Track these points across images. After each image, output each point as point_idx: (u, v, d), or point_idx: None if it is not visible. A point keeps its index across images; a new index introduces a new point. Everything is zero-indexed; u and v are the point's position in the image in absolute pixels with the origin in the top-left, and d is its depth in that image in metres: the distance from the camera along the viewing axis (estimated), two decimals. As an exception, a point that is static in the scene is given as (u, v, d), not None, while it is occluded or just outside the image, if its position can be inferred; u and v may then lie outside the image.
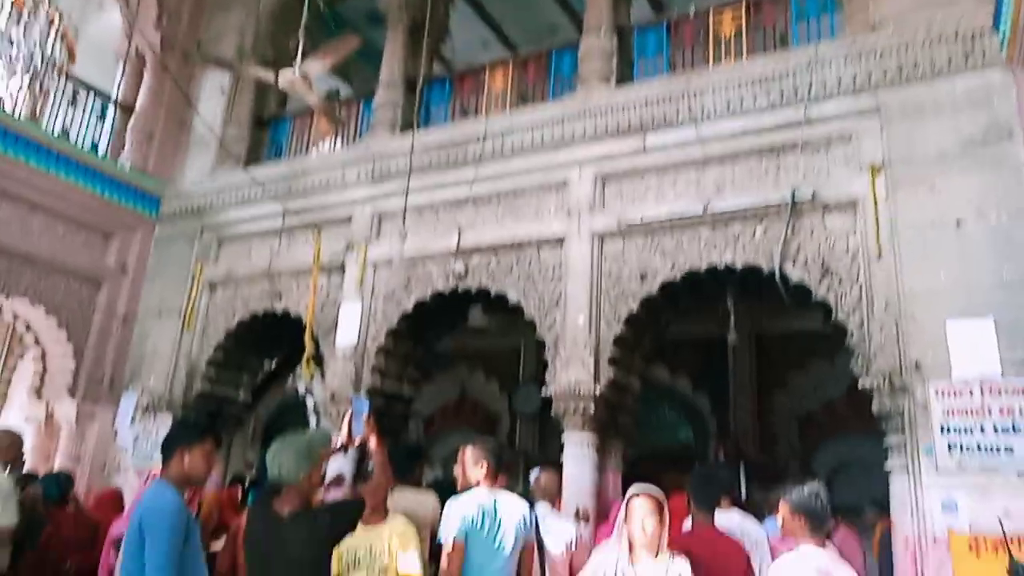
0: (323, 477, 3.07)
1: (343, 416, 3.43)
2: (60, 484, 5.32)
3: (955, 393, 4.04)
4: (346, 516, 2.87)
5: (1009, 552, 2.64)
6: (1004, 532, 2.80)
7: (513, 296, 5.49)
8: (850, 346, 4.40)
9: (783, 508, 3.35)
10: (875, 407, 4.24)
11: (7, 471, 4.66)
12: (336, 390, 5.93)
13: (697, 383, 7.74)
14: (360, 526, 3.02)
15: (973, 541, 3.74)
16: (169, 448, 3.20)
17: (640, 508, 2.97)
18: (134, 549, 3.01)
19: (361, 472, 3.52)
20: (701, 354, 7.19)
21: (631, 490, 3.03)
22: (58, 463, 6.67)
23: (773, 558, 3.98)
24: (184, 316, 6.92)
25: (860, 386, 4.29)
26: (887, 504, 4.27)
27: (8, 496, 4.46)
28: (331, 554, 2.87)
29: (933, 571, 3.91)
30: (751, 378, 7.23)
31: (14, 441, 4.90)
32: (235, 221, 7.13)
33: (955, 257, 4.22)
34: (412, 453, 4.55)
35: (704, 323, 6.98)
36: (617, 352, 5.09)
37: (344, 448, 3.34)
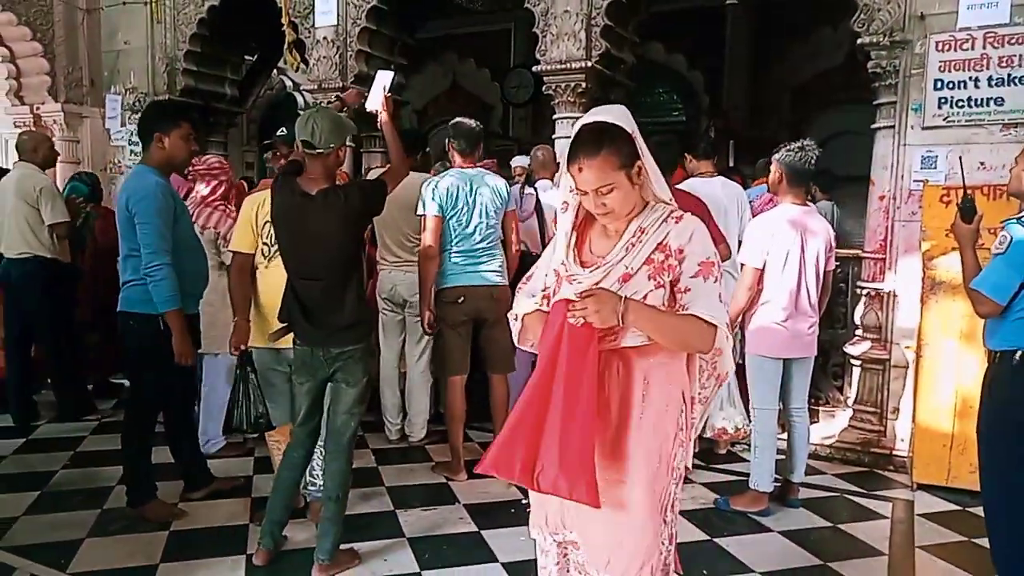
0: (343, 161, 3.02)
1: (370, 86, 3.33)
2: (90, 182, 5.48)
3: (956, 45, 3.95)
4: (373, 195, 2.85)
5: (965, 189, 2.77)
6: (962, 171, 2.90)
7: (499, -38, 5.07)
8: (854, 1, 4.18)
9: (773, 165, 3.50)
10: (871, 66, 4.17)
11: (44, 171, 4.75)
12: (321, 78, 5.78)
13: (693, 59, 7.49)
14: None
15: (945, 192, 3.93)
16: (146, 133, 3.26)
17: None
18: (126, 231, 3.19)
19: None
20: (698, 27, 6.85)
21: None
22: (59, 167, 6.76)
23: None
24: (150, 5, 6.48)
25: (859, 43, 4.17)
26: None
27: (56, 195, 4.61)
28: (357, 231, 2.88)
29: (903, 222, 4.19)
30: (749, 50, 6.99)
31: (43, 140, 4.90)
32: None
33: None
34: (415, 140, 4.60)
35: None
36: (611, 22, 4.85)
37: (351, 107, 3.34)
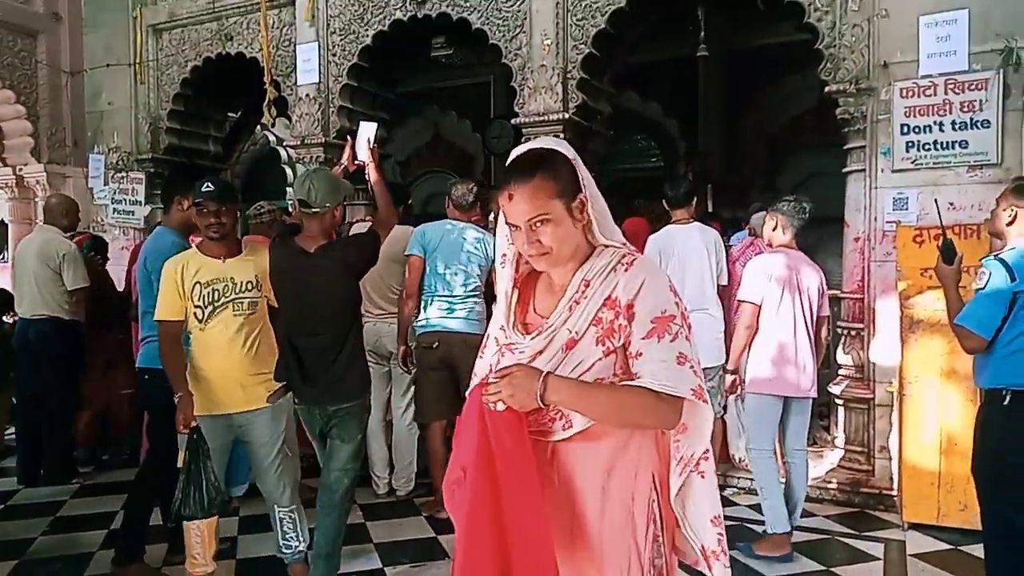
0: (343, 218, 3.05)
1: (349, 138, 3.40)
2: (102, 246, 5.55)
3: (919, 91, 4.09)
4: (369, 247, 2.93)
5: (943, 231, 2.88)
6: (939, 213, 3.02)
7: (475, 20, 5.21)
8: (820, 51, 4.33)
9: (769, 216, 3.68)
10: (839, 112, 4.30)
11: (68, 235, 4.78)
12: (304, 134, 5.86)
13: (668, 107, 7.69)
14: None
15: (918, 233, 4.03)
16: (168, 196, 3.54)
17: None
18: (144, 289, 3.34)
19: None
20: (672, 77, 7.05)
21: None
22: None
23: (730, 262, 4.40)
24: (134, 66, 6.58)
25: (827, 91, 4.31)
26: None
27: (78, 260, 4.64)
28: (355, 284, 2.94)
29: (878, 262, 4.28)
30: (721, 98, 7.19)
31: (72, 206, 4.96)
32: (166, -45, 6.49)
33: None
34: (399, 193, 4.67)
35: (675, 45, 6.77)
36: (586, 75, 4.99)
37: (346, 170, 3.32)
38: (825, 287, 3.70)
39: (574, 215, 1.45)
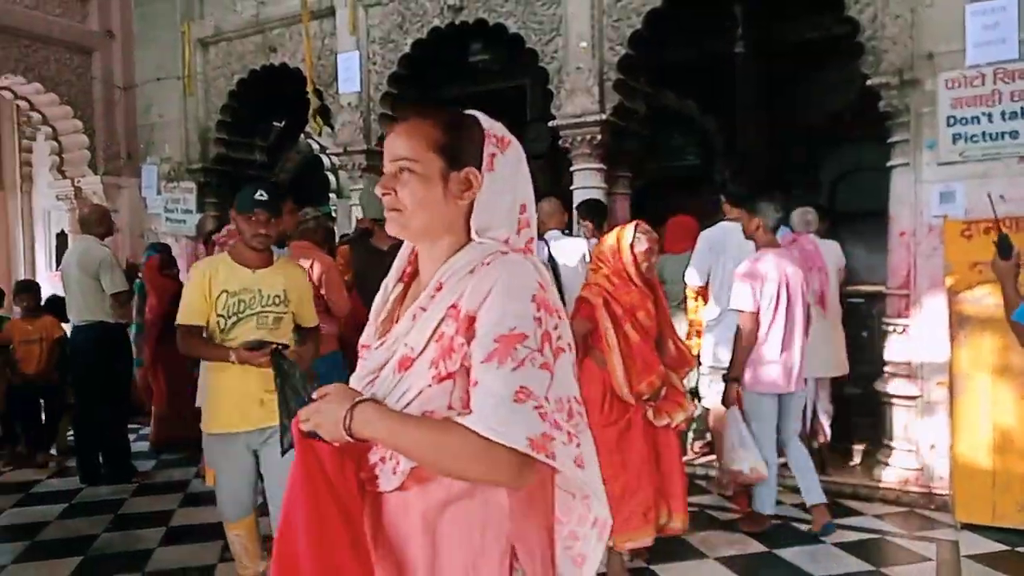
0: None
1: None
2: (169, 258, 5.81)
3: (966, 82, 4.00)
4: None
5: (998, 226, 2.82)
6: (993, 207, 2.96)
7: (512, 25, 5.27)
8: (861, 43, 4.27)
9: (748, 216, 3.79)
10: (882, 105, 4.23)
11: (103, 242, 5.01)
12: (347, 142, 5.99)
13: (704, 104, 7.62)
14: None
15: (966, 226, 3.94)
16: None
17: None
18: None
19: None
20: (708, 75, 6.98)
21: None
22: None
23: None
24: (183, 80, 6.81)
25: (869, 83, 4.24)
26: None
27: (115, 266, 4.86)
28: None
29: (925, 257, 4.20)
30: (759, 94, 7.10)
31: (104, 214, 5.19)
32: (212, -29, 6.70)
33: (981, -68, 3.92)
34: None
35: (711, 41, 6.72)
36: (622, 76, 5.00)
37: None
38: (807, 281, 3.90)
39: (450, 186, 1.17)
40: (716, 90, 7.17)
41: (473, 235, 1.18)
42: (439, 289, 1.16)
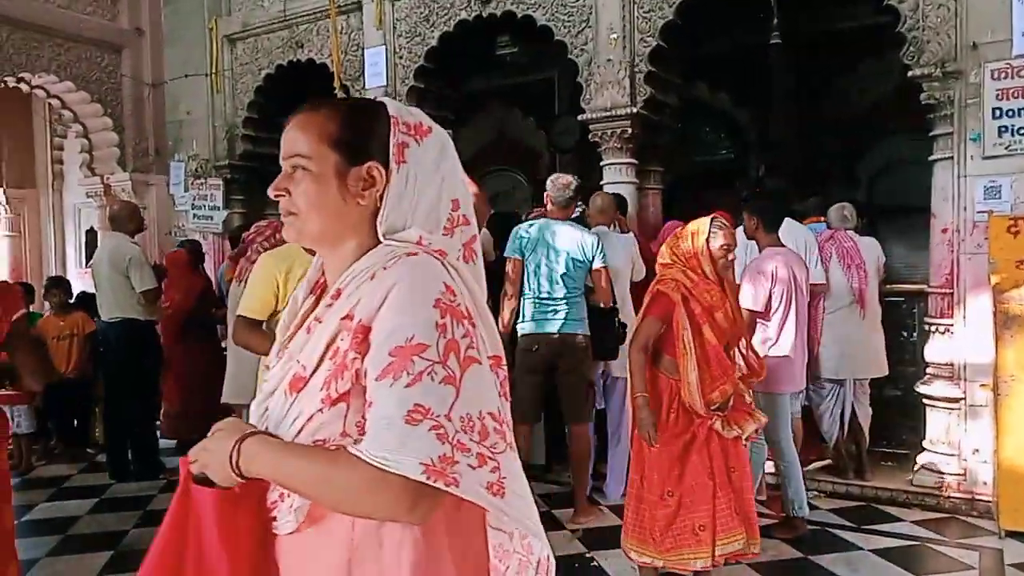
0: None
1: None
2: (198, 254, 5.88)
3: (1013, 72, 3.85)
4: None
5: None
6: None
7: (540, 17, 5.19)
8: (902, 33, 4.13)
9: (747, 215, 3.80)
10: (924, 97, 4.09)
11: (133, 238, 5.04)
12: (373, 136, 5.95)
13: (738, 97, 7.47)
14: None
15: (1013, 222, 3.79)
16: None
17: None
18: None
19: None
20: (742, 66, 6.83)
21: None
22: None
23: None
24: (211, 76, 6.83)
25: (910, 75, 4.10)
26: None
27: (144, 263, 4.90)
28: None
29: (968, 254, 4.05)
30: (794, 86, 6.93)
31: (134, 210, 5.22)
32: (239, -33, 6.71)
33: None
34: None
35: (745, 32, 6.56)
36: (653, 68, 4.90)
37: None
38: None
39: (348, 183, 1.04)
40: (750, 82, 7.02)
41: (381, 236, 1.04)
42: (336, 297, 1.02)
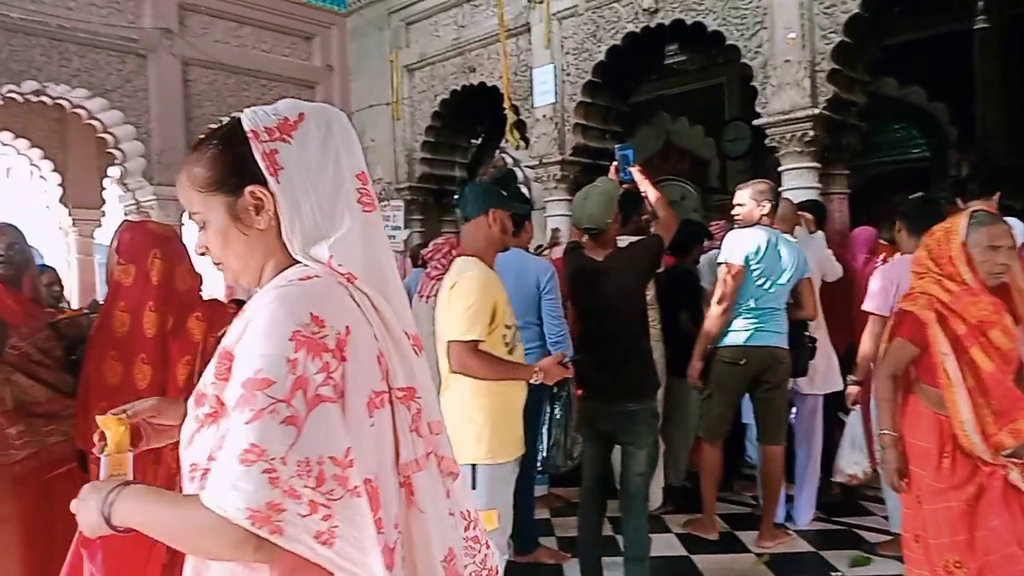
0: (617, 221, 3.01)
1: (611, 166, 3.31)
2: None
3: None
4: (654, 247, 2.98)
5: None
6: None
7: (711, 23, 5.06)
8: None
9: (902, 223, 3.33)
10: None
11: None
12: (542, 154, 6.09)
13: (933, 90, 6.82)
14: None
15: None
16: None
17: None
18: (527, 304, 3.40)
19: None
20: (937, 55, 6.24)
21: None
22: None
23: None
24: (392, 105, 7.33)
25: None
26: None
27: None
28: (643, 287, 3.01)
29: None
30: (1001, 73, 6.20)
31: None
32: None
33: None
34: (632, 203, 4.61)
35: (938, 19, 6.01)
36: (836, 65, 4.61)
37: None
38: None
39: (240, 216, 1.01)
40: (946, 73, 6.41)
41: (295, 252, 1.00)
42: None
